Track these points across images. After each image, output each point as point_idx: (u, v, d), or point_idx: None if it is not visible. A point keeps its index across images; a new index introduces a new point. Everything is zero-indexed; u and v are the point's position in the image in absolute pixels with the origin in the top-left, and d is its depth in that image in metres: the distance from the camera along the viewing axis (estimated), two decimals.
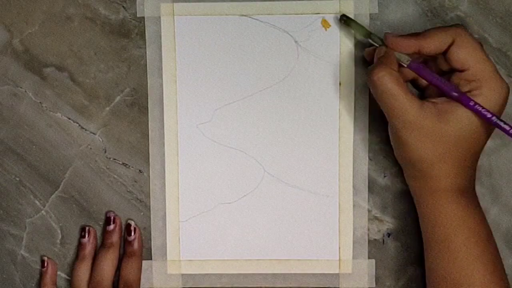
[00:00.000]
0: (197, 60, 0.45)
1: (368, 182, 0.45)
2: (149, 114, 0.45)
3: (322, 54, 0.44)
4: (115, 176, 0.46)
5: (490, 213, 0.45)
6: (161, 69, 0.45)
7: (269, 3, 0.44)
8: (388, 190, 0.45)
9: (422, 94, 0.43)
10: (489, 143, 0.44)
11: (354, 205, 0.45)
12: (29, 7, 0.45)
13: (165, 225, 0.45)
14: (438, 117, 0.37)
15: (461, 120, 0.37)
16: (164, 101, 0.45)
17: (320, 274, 0.45)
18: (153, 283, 0.46)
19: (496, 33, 0.44)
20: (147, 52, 0.45)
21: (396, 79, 0.37)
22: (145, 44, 0.45)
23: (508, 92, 0.37)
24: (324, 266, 0.45)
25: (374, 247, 0.45)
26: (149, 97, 0.45)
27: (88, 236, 0.45)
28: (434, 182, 0.39)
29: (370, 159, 0.45)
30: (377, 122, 0.44)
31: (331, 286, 0.45)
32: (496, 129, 0.37)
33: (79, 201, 0.46)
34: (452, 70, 0.38)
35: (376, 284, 0.45)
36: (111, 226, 0.45)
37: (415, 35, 0.38)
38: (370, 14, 0.44)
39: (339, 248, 0.45)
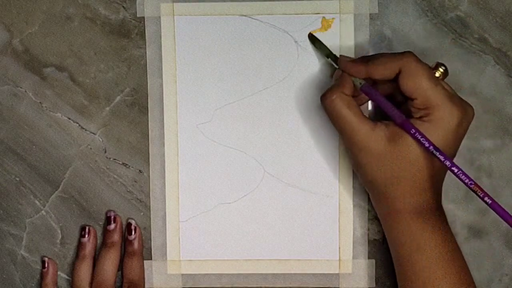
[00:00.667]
0: (197, 60, 0.45)
1: None
2: (149, 114, 0.45)
3: (322, 54, 0.44)
4: (115, 176, 0.46)
5: (490, 213, 0.45)
6: (161, 69, 0.45)
7: (269, 3, 0.44)
8: None
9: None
10: (489, 143, 0.44)
11: (354, 205, 0.45)
12: (29, 7, 0.45)
13: (165, 225, 0.45)
14: (389, 139, 0.37)
15: (411, 143, 0.37)
16: (164, 101, 0.45)
17: (320, 274, 0.45)
18: (153, 283, 0.46)
19: (496, 33, 0.44)
20: (147, 52, 0.45)
21: (347, 102, 0.38)
22: (145, 44, 0.45)
23: (463, 116, 0.37)
24: (324, 266, 0.45)
25: (374, 247, 0.45)
26: (149, 97, 0.45)
27: (88, 236, 0.45)
28: (390, 203, 0.39)
29: None
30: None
31: (331, 286, 0.45)
32: (497, 133, 0.37)
33: (79, 201, 0.46)
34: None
35: (376, 284, 0.45)
36: (112, 226, 0.45)
37: (366, 60, 0.38)
38: (370, 14, 0.44)
39: (339, 248, 0.45)
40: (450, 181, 0.44)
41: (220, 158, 0.45)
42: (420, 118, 0.37)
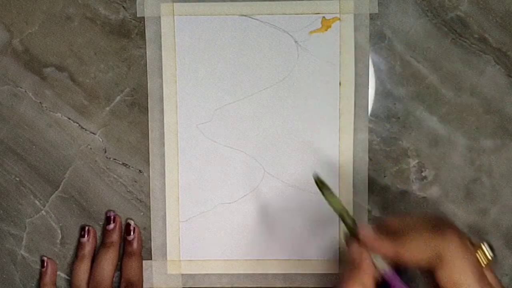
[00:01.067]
0: (197, 60, 0.45)
1: (368, 182, 0.45)
2: (149, 114, 0.45)
3: (322, 54, 0.44)
4: (115, 176, 0.46)
5: (490, 213, 0.45)
6: (161, 69, 0.45)
7: (269, 3, 0.44)
8: (388, 190, 0.45)
9: None
10: (489, 143, 0.44)
11: (354, 205, 0.45)
12: (29, 7, 0.45)
13: (165, 225, 0.45)
14: None
15: None
16: (164, 101, 0.45)
17: (320, 274, 0.45)
18: (153, 283, 0.46)
19: (496, 33, 0.44)
20: (147, 52, 0.45)
21: None
22: (145, 44, 0.45)
23: None
24: (324, 266, 0.45)
25: None
26: (149, 97, 0.45)
27: (87, 236, 0.45)
28: None
29: (370, 159, 0.45)
30: (377, 122, 0.44)
31: (331, 286, 0.45)
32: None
33: (79, 201, 0.46)
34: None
35: None
36: (111, 225, 0.45)
37: (394, 237, 0.32)
38: (370, 14, 0.44)
39: (339, 248, 0.45)
40: (450, 181, 0.44)
41: (220, 158, 0.45)
42: None
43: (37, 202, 0.46)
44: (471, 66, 0.44)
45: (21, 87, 0.45)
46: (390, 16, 0.44)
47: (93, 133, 0.46)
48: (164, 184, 0.45)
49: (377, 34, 0.44)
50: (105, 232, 0.45)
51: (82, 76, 0.45)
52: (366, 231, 0.32)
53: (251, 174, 0.45)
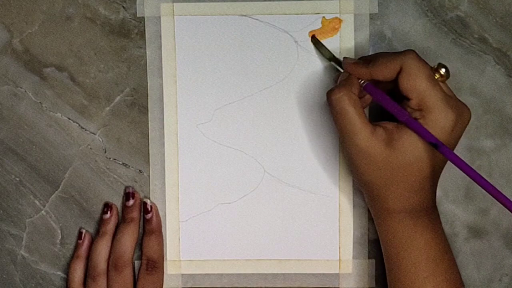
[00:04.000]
0: (197, 60, 0.45)
1: None
2: (149, 114, 0.45)
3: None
4: (115, 176, 0.46)
5: (490, 213, 0.45)
6: (161, 69, 0.45)
7: (269, 3, 0.44)
8: None
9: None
10: (489, 143, 0.44)
11: (354, 205, 0.45)
12: (29, 7, 0.45)
13: (165, 225, 0.45)
14: (386, 143, 0.37)
15: (407, 147, 0.37)
16: (164, 101, 0.45)
17: (320, 274, 0.45)
18: None
19: (496, 33, 0.44)
20: (147, 52, 0.45)
21: (353, 101, 0.38)
22: (145, 44, 0.45)
23: (458, 119, 0.37)
24: (324, 266, 0.45)
25: (374, 247, 0.45)
26: (149, 97, 0.45)
27: (110, 212, 0.45)
28: (382, 204, 0.39)
29: None
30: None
31: (331, 286, 0.45)
32: (500, 134, 0.37)
33: (79, 201, 0.46)
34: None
35: (376, 284, 0.45)
36: (131, 201, 0.45)
37: (368, 61, 0.39)
38: (370, 14, 0.44)
39: (339, 248, 0.45)
40: (450, 181, 0.44)
41: (220, 158, 0.45)
42: (414, 119, 0.37)
43: (37, 202, 0.46)
44: (471, 66, 0.44)
45: (21, 87, 0.45)
46: (390, 16, 0.44)
47: (93, 133, 0.46)
48: (164, 184, 0.45)
49: (377, 34, 0.44)
50: (124, 208, 0.45)
51: (82, 76, 0.45)
52: (348, 59, 0.40)
53: (251, 174, 0.45)
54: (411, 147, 0.37)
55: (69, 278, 0.45)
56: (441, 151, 0.36)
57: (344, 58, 0.41)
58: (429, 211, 0.40)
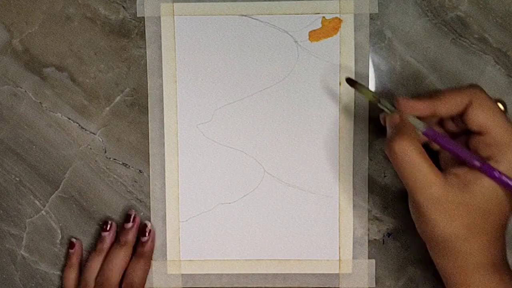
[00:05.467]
0: (197, 60, 0.45)
1: (368, 182, 0.45)
2: (149, 114, 0.45)
3: (322, 54, 0.44)
4: (115, 176, 0.46)
5: None
6: (161, 69, 0.45)
7: (269, 3, 0.44)
8: (388, 190, 0.45)
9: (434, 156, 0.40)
10: None
11: (354, 205, 0.45)
12: (29, 7, 0.45)
13: (165, 225, 0.45)
14: (463, 189, 0.34)
15: (487, 190, 0.34)
16: (164, 101, 0.45)
17: (320, 274, 0.45)
18: (153, 283, 0.46)
19: (496, 33, 0.44)
20: (147, 52, 0.45)
21: (420, 150, 0.34)
22: (145, 44, 0.45)
23: None
24: (324, 266, 0.45)
25: (374, 247, 0.45)
26: (149, 97, 0.45)
27: (109, 230, 0.45)
28: (465, 259, 0.36)
29: (370, 159, 0.45)
30: (377, 122, 0.44)
31: (331, 286, 0.45)
32: None
33: (79, 201, 0.46)
34: (468, 131, 0.36)
35: (376, 284, 0.45)
36: (130, 224, 0.45)
37: (429, 97, 0.36)
38: (370, 14, 0.44)
39: (339, 248, 0.45)
40: None
41: (220, 158, 0.45)
42: (489, 157, 0.34)
43: (37, 202, 0.46)
44: (471, 66, 0.44)
45: (21, 87, 0.45)
46: (390, 16, 0.44)
47: (93, 133, 0.46)
48: (164, 184, 0.45)
49: (377, 34, 0.44)
50: (121, 229, 0.45)
51: (82, 76, 0.45)
52: (405, 99, 0.36)
53: (251, 174, 0.45)
54: (492, 189, 0.34)
55: (63, 286, 0.45)
56: None
57: (398, 99, 0.36)
58: (506, 267, 0.36)
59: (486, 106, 0.34)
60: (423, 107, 0.35)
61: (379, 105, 0.38)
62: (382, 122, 0.40)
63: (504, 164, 0.34)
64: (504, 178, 0.33)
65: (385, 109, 0.38)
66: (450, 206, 0.34)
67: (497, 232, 0.35)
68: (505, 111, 0.37)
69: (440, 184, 0.34)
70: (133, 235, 0.45)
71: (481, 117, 0.34)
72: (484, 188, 0.34)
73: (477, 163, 0.34)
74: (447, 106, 0.35)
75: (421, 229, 0.37)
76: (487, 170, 0.34)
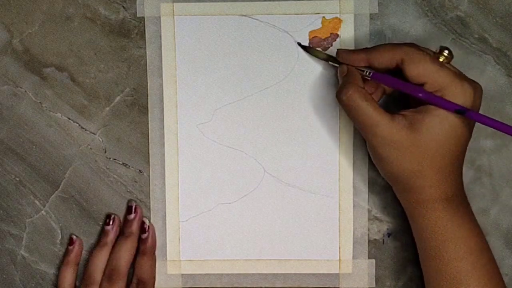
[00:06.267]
0: (197, 60, 0.45)
1: (368, 182, 0.45)
2: (149, 114, 0.45)
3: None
4: (115, 176, 0.46)
5: (490, 213, 0.45)
6: (161, 69, 0.45)
7: (269, 3, 0.44)
8: (388, 190, 0.45)
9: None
10: (489, 143, 0.44)
11: (354, 205, 0.45)
12: (29, 7, 0.45)
13: (165, 225, 0.45)
14: (410, 128, 0.37)
15: (433, 128, 0.37)
16: (164, 101, 0.45)
17: (320, 274, 0.45)
18: None
19: (496, 33, 0.44)
20: (147, 52, 0.45)
21: (364, 95, 0.38)
22: (145, 44, 0.45)
23: (475, 91, 0.37)
24: (324, 266, 0.45)
25: (374, 247, 0.45)
26: (149, 97, 0.45)
27: (112, 224, 0.45)
28: (417, 194, 0.39)
29: (370, 159, 0.45)
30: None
31: (331, 286, 0.45)
32: (492, 131, 0.37)
33: (79, 201, 0.46)
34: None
35: (376, 284, 0.45)
36: (132, 215, 0.45)
37: (366, 49, 0.39)
38: (370, 14, 0.44)
39: (339, 248, 0.45)
40: None
41: (220, 158, 0.45)
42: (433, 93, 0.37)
43: (37, 202, 0.46)
44: (471, 66, 0.44)
45: (21, 87, 0.45)
46: (390, 16, 0.44)
47: (93, 133, 0.46)
48: (164, 184, 0.45)
49: (377, 34, 0.44)
50: (125, 222, 0.45)
51: (82, 76, 0.45)
52: (343, 51, 0.41)
53: (251, 174, 0.45)
54: (436, 126, 0.37)
55: (59, 284, 0.45)
56: (468, 116, 0.36)
57: (338, 50, 0.41)
58: (462, 199, 0.39)
59: (417, 60, 0.37)
60: (359, 57, 0.39)
61: (329, 63, 0.42)
62: (339, 78, 0.42)
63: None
64: (447, 101, 0.36)
65: (334, 65, 0.42)
66: (400, 145, 0.37)
67: (448, 166, 0.38)
68: (448, 56, 0.38)
69: (386, 124, 0.37)
70: (137, 226, 0.45)
71: (415, 71, 0.37)
72: (430, 126, 0.37)
73: (422, 95, 0.37)
74: (380, 59, 0.38)
75: (379, 167, 0.40)
76: (431, 98, 0.37)
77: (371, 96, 0.38)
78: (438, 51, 0.38)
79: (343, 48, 0.41)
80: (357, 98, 0.37)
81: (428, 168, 0.37)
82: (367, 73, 0.39)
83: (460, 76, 0.37)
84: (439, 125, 0.37)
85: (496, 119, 0.36)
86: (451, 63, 0.39)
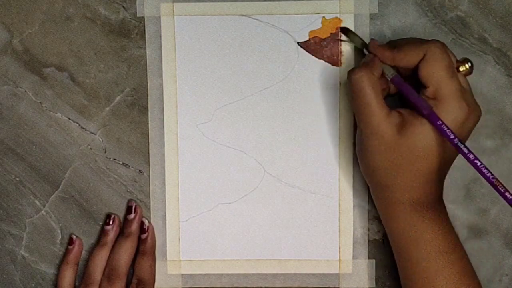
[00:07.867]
0: (197, 60, 0.45)
1: None
2: (149, 114, 0.45)
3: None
4: (115, 176, 0.46)
5: (490, 213, 0.45)
6: (161, 69, 0.45)
7: (269, 3, 0.44)
8: None
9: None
10: (489, 143, 0.44)
11: (354, 205, 0.45)
12: (29, 7, 0.45)
13: (165, 225, 0.45)
14: (400, 127, 0.37)
15: (418, 134, 0.37)
16: (164, 101, 0.45)
17: (320, 274, 0.45)
18: None
19: (496, 33, 0.44)
20: (147, 52, 0.45)
21: (373, 82, 0.38)
22: (145, 44, 0.45)
23: (470, 114, 0.37)
24: (324, 266, 0.45)
25: (374, 247, 0.45)
26: (149, 97, 0.45)
27: (112, 224, 0.45)
28: (390, 194, 0.39)
29: None
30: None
31: (331, 286, 0.45)
32: (497, 132, 0.37)
33: (79, 201, 0.46)
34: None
35: (376, 284, 0.45)
36: (132, 215, 0.45)
37: (393, 46, 0.39)
38: (370, 14, 0.44)
39: (339, 248, 0.45)
40: (450, 181, 0.44)
41: (220, 158, 0.45)
42: (438, 118, 0.37)
43: (37, 202, 0.46)
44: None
45: (21, 87, 0.45)
46: (390, 16, 0.44)
47: (93, 133, 0.46)
48: (164, 184, 0.45)
49: (377, 34, 0.44)
50: (124, 222, 0.45)
51: (82, 76, 0.45)
52: (375, 41, 0.40)
53: (251, 174, 0.45)
54: (422, 135, 0.37)
55: (58, 283, 0.45)
56: (461, 150, 0.36)
57: (371, 40, 0.41)
58: (436, 205, 0.40)
59: (434, 61, 0.37)
60: (386, 55, 0.39)
61: (364, 50, 0.42)
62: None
63: (441, 116, 0.37)
64: (444, 127, 0.36)
65: (366, 52, 0.41)
66: (386, 141, 0.38)
67: (424, 175, 0.38)
68: (467, 69, 0.39)
69: (381, 117, 0.37)
70: (136, 226, 0.45)
71: (426, 70, 0.37)
72: (417, 133, 0.37)
73: (425, 111, 0.37)
74: (405, 59, 0.38)
75: (360, 158, 0.40)
76: (432, 118, 0.37)
77: (380, 87, 0.38)
78: (461, 60, 0.39)
79: (375, 39, 0.41)
80: (366, 82, 0.37)
81: (406, 171, 0.38)
82: (390, 74, 0.39)
83: (464, 93, 0.37)
84: (425, 135, 0.37)
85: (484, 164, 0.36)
86: (467, 77, 0.39)
